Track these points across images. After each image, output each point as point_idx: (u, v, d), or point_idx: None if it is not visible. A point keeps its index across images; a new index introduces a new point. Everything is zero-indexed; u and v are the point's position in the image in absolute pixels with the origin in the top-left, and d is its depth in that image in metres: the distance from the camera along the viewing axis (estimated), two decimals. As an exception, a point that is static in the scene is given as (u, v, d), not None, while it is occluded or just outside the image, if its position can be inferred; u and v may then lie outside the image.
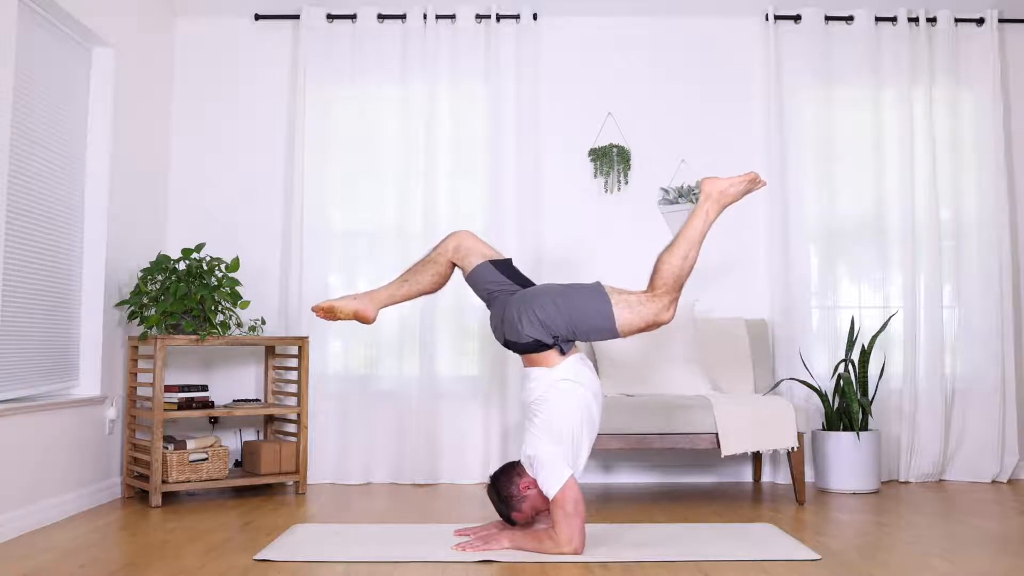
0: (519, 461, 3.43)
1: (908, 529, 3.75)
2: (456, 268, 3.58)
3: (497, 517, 3.56)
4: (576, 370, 3.34)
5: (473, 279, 3.50)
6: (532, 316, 3.30)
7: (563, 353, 3.34)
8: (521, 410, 4.92)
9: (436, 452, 5.01)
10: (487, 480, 3.72)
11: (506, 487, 3.38)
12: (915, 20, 5.22)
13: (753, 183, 3.45)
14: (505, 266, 3.49)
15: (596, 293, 3.35)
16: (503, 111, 5.16)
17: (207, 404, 4.55)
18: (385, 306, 3.61)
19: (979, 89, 5.22)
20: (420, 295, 3.66)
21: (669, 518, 3.98)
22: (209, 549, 3.33)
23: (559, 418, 3.29)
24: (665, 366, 4.67)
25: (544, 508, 3.37)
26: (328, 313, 3.55)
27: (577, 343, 3.42)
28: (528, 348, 3.34)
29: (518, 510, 3.37)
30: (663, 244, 5.22)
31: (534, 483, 3.32)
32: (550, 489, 3.22)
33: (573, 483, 3.23)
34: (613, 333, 3.34)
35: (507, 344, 3.40)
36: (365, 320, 3.57)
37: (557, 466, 3.24)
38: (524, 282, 3.49)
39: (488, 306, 3.51)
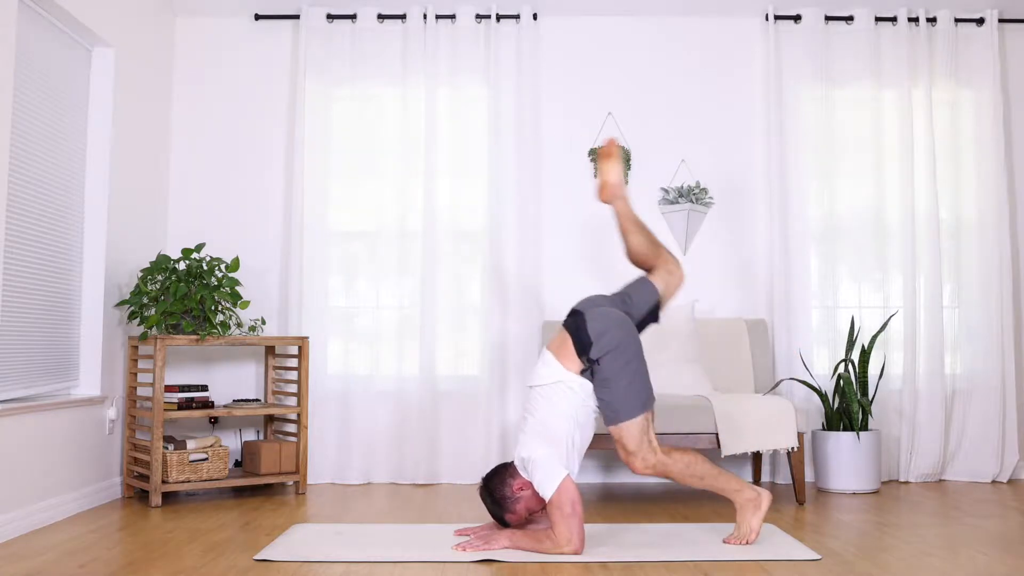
0: (511, 462, 3.43)
1: (908, 529, 3.75)
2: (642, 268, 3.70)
3: (495, 517, 3.56)
4: (581, 383, 3.35)
5: (642, 290, 3.58)
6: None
7: (583, 371, 3.36)
8: (521, 410, 4.94)
9: (436, 452, 5.01)
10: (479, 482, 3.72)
11: (499, 488, 3.38)
12: (915, 20, 5.22)
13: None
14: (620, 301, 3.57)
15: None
16: (503, 111, 5.16)
17: (207, 404, 4.55)
18: (619, 205, 3.68)
19: (979, 89, 5.22)
20: (626, 232, 3.68)
21: (669, 518, 3.98)
22: (209, 549, 3.34)
23: (553, 419, 3.31)
24: (665, 366, 4.67)
25: (537, 508, 3.38)
26: (609, 147, 3.73)
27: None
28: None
29: (511, 511, 3.37)
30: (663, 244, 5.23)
31: (527, 484, 3.32)
32: (546, 490, 3.22)
33: (569, 483, 3.22)
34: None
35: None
36: (608, 187, 3.69)
37: (552, 467, 3.23)
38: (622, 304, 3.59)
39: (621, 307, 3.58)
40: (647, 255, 3.63)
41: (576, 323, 3.38)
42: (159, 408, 4.27)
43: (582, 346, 3.33)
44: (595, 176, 3.70)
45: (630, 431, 3.31)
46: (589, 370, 3.34)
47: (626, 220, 3.66)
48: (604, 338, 3.32)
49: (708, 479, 3.41)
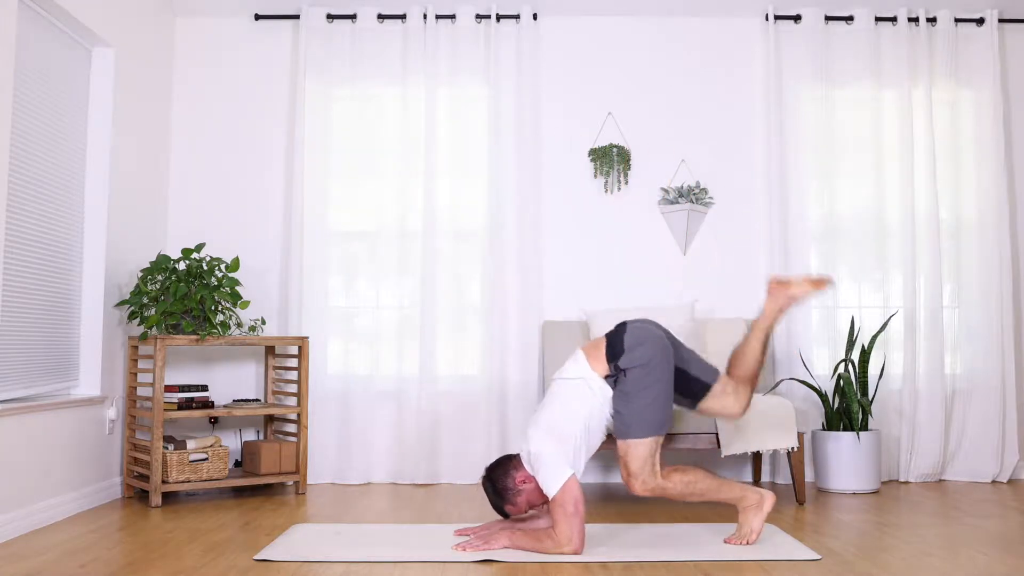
0: (516, 454, 3.43)
1: (908, 529, 3.75)
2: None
3: (496, 517, 3.56)
4: (602, 386, 3.36)
5: (704, 365, 3.56)
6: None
7: (607, 376, 3.36)
8: (522, 409, 4.94)
9: (436, 452, 5.01)
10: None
11: (502, 479, 3.38)
12: (915, 20, 5.22)
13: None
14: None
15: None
16: (503, 111, 5.16)
17: (207, 404, 4.55)
18: (776, 312, 3.57)
19: (979, 89, 5.22)
20: (754, 334, 3.57)
21: (669, 518, 3.98)
22: (209, 549, 3.34)
23: (566, 416, 3.31)
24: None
25: (538, 503, 3.38)
26: (824, 284, 3.60)
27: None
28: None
29: (512, 503, 3.38)
30: (663, 244, 5.24)
31: (531, 478, 3.33)
32: (550, 488, 3.22)
33: (574, 482, 3.23)
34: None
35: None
36: (791, 299, 3.57)
37: (558, 465, 3.24)
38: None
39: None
40: (744, 365, 3.53)
41: (616, 331, 3.41)
42: (159, 408, 4.27)
43: (614, 352, 3.35)
44: (804, 284, 3.59)
45: (637, 450, 3.31)
46: (614, 378, 3.34)
47: (766, 325, 3.55)
48: (637, 351, 3.32)
49: (709, 494, 3.41)
